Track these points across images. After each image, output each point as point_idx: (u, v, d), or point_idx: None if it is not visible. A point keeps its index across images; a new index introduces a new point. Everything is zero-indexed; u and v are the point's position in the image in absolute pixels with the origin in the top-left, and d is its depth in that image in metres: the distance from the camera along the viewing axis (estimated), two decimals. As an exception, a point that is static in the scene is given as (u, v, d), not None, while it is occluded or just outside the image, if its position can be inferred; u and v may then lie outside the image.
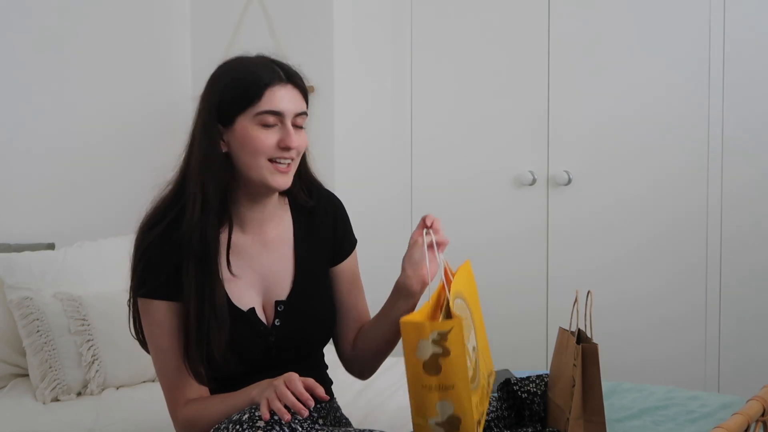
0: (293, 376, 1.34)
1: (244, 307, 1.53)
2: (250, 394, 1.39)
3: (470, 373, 1.32)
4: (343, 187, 2.60)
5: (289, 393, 1.30)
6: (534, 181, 3.17)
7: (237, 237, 1.54)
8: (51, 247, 2.65)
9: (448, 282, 1.44)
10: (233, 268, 1.52)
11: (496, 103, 3.25)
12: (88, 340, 2.24)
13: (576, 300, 1.53)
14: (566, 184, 3.12)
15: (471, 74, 3.29)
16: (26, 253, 2.46)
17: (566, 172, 3.12)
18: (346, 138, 3.15)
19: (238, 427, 1.30)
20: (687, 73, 2.92)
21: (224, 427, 1.33)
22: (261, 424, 1.29)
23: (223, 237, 1.51)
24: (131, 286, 1.53)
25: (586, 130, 3.11)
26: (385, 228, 3.24)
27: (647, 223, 3.02)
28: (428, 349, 1.31)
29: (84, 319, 2.26)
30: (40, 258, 2.44)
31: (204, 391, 1.53)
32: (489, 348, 1.56)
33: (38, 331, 2.23)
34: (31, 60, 2.78)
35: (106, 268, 2.50)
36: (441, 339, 1.30)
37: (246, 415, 1.32)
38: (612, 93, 3.05)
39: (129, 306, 1.56)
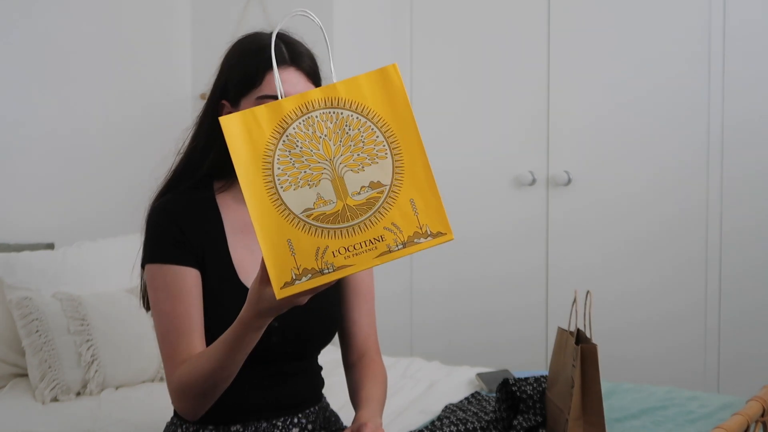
0: None
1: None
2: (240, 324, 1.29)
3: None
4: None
5: None
6: (534, 181, 3.17)
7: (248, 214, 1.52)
8: (50, 246, 2.65)
9: None
10: (244, 245, 1.50)
11: (495, 103, 3.25)
12: (88, 340, 2.24)
13: (575, 300, 1.53)
14: (566, 184, 3.12)
15: (471, 74, 3.29)
16: (26, 252, 2.46)
17: (566, 172, 3.12)
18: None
19: None
20: (686, 72, 2.92)
21: None
22: None
23: (233, 210, 1.51)
24: (142, 257, 1.50)
25: (586, 130, 3.10)
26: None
27: (647, 223, 3.01)
28: None
29: (83, 319, 2.26)
30: (40, 258, 2.44)
31: None
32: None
33: (37, 331, 2.22)
34: (31, 59, 2.78)
35: (105, 268, 2.50)
36: None
37: None
38: (612, 93, 3.05)
39: (141, 279, 1.54)
